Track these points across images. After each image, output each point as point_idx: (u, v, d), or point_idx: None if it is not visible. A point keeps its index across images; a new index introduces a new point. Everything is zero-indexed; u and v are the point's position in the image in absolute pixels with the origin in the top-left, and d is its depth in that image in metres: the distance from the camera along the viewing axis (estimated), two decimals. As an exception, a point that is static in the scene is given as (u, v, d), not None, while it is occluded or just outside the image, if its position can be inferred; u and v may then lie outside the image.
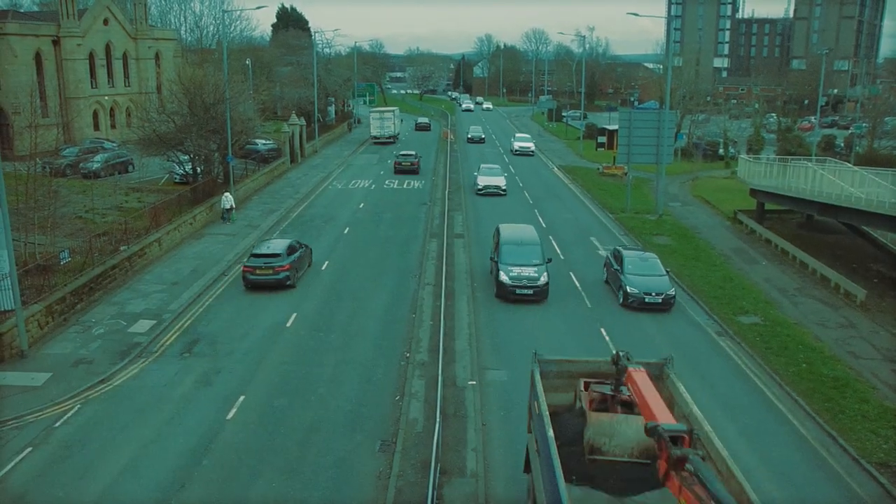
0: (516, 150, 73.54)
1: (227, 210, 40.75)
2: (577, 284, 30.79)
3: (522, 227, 32.99)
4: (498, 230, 31.24)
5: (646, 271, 28.35)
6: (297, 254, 30.53)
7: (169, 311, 26.71)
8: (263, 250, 30.12)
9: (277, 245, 30.62)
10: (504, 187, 50.20)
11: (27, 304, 23.62)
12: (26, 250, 28.84)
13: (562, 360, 15.63)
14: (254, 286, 29.38)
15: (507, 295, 27.95)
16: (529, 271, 28.26)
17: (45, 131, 44.01)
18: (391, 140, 79.82)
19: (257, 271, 29.19)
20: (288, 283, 29.47)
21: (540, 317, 27.06)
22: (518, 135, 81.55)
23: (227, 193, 41.47)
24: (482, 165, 54.91)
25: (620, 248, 30.94)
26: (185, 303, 27.58)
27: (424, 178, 57.34)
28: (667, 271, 28.98)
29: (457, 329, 25.48)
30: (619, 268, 29.00)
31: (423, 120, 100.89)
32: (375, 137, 79.69)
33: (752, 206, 43.92)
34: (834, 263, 33.75)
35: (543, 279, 28.18)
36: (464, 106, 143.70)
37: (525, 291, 27.95)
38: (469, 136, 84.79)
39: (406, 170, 59.26)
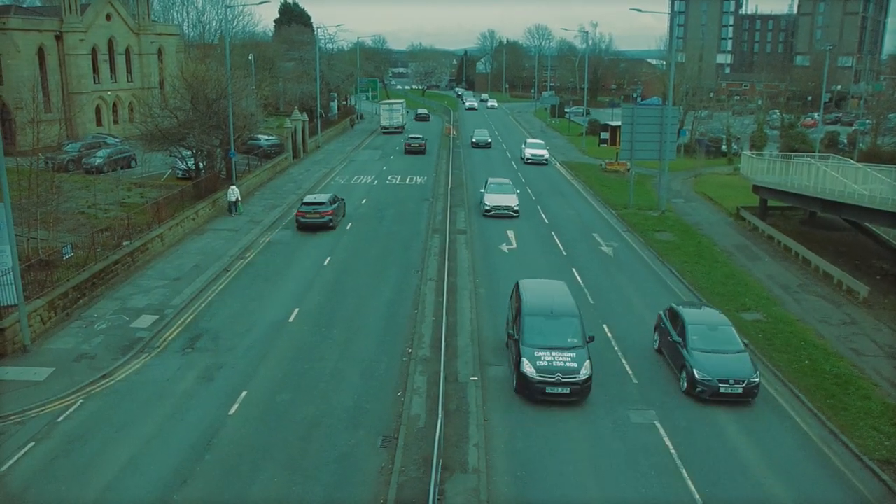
0: (528, 159, 65.05)
1: (234, 202, 41.65)
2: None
3: (552, 285, 24.09)
4: (517, 289, 22.95)
5: (717, 346, 20.97)
6: (336, 203, 39.47)
7: (171, 306, 26.73)
8: (311, 200, 39.47)
9: (322, 196, 40.12)
10: (517, 208, 42.31)
11: (30, 300, 23.63)
12: (29, 245, 28.88)
13: None
14: (304, 227, 37.96)
15: (534, 394, 19.82)
16: (565, 359, 19.90)
17: (48, 126, 43.98)
18: (399, 130, 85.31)
19: (307, 215, 37.95)
20: (330, 224, 37.95)
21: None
22: (530, 140, 71.13)
23: (233, 186, 42.41)
24: (490, 180, 46.24)
25: (679, 308, 22.87)
26: (187, 298, 27.59)
27: (426, 174, 57.33)
28: (745, 344, 22.09)
29: (459, 325, 25.47)
30: (679, 340, 21.53)
31: (422, 111, 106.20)
32: (385, 127, 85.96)
33: (754, 203, 43.87)
34: (837, 260, 33.71)
35: (585, 370, 19.73)
36: (467, 104, 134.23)
37: (559, 390, 19.60)
38: (473, 140, 76.12)
39: (415, 150, 68.31)
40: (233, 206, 41.59)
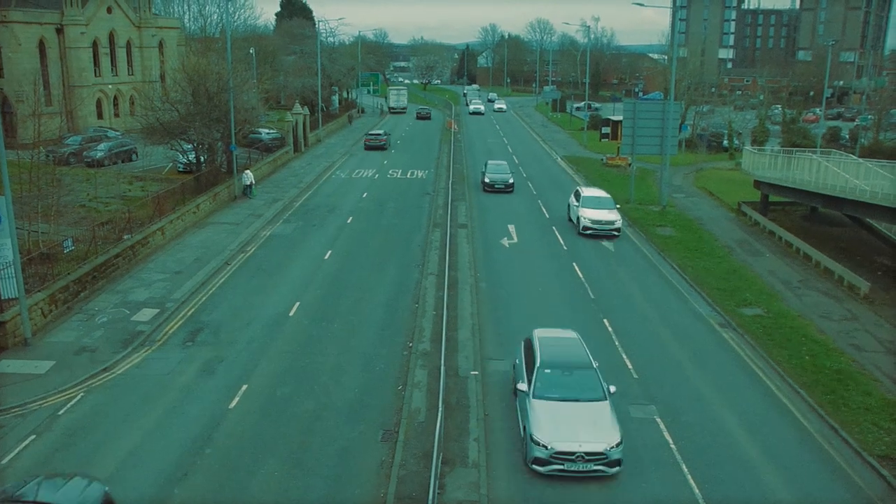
0: (588, 229, 36.67)
1: (248, 186, 44.33)
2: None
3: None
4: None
5: None
6: (388, 135, 69.02)
7: (172, 299, 26.73)
8: (373, 132, 68.60)
9: (379, 130, 69.79)
10: (617, 446, 16.37)
11: (31, 293, 23.63)
12: (30, 238, 28.86)
13: None
14: (370, 148, 65.59)
15: None
16: None
17: (49, 120, 43.92)
18: (403, 110, 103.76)
19: (371, 140, 66.31)
20: (385, 147, 66.02)
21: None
22: (586, 193, 39.39)
23: (247, 171, 45.02)
24: (539, 338, 19.52)
25: None
26: (188, 292, 27.58)
27: (427, 168, 57.29)
28: None
29: (459, 319, 25.47)
30: None
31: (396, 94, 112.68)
32: (392, 108, 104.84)
33: (756, 198, 43.81)
34: (838, 256, 33.69)
35: None
36: (472, 107, 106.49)
37: None
38: (486, 179, 47.81)
39: (424, 116, 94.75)
40: (247, 190, 44.10)
